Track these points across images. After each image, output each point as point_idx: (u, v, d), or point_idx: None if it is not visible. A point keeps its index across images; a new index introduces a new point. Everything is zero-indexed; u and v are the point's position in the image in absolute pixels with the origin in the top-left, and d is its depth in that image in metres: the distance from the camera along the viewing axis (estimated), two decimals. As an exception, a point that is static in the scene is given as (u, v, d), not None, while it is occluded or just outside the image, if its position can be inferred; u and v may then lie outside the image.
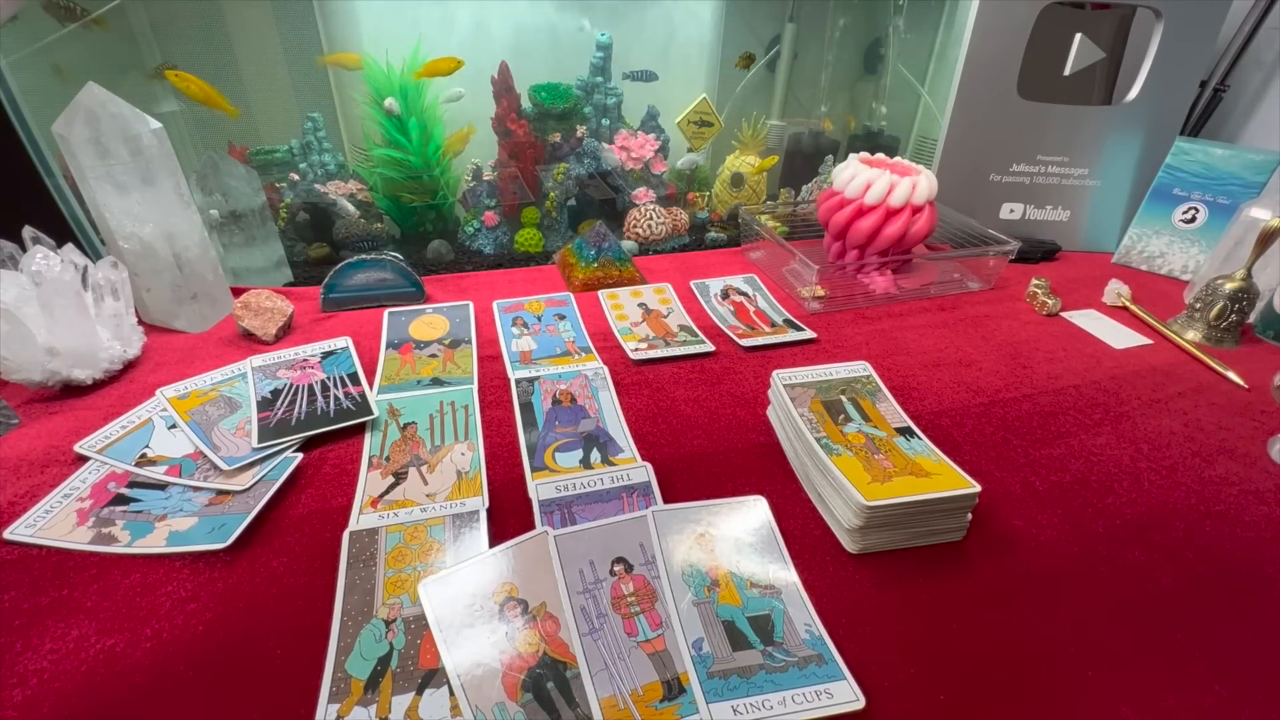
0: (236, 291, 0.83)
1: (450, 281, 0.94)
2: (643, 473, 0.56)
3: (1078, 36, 1.02)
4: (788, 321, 0.84)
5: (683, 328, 0.82)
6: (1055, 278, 0.95)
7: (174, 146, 0.73)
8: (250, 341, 0.77)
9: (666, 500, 0.53)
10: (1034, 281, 0.92)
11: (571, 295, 0.89)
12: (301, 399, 0.65)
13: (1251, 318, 0.84)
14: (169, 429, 0.61)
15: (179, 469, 0.56)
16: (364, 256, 0.85)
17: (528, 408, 0.66)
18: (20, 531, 0.49)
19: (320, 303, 0.85)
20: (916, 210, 0.89)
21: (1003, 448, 0.63)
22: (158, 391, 0.64)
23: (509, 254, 1.05)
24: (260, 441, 0.58)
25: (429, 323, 0.81)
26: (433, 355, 0.75)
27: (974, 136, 1.05)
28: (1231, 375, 0.74)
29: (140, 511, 0.52)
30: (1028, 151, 1.05)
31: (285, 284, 0.94)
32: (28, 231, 0.66)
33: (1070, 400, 0.70)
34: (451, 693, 0.39)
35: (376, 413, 0.63)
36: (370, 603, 0.45)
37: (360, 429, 0.62)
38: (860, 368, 0.64)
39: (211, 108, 0.87)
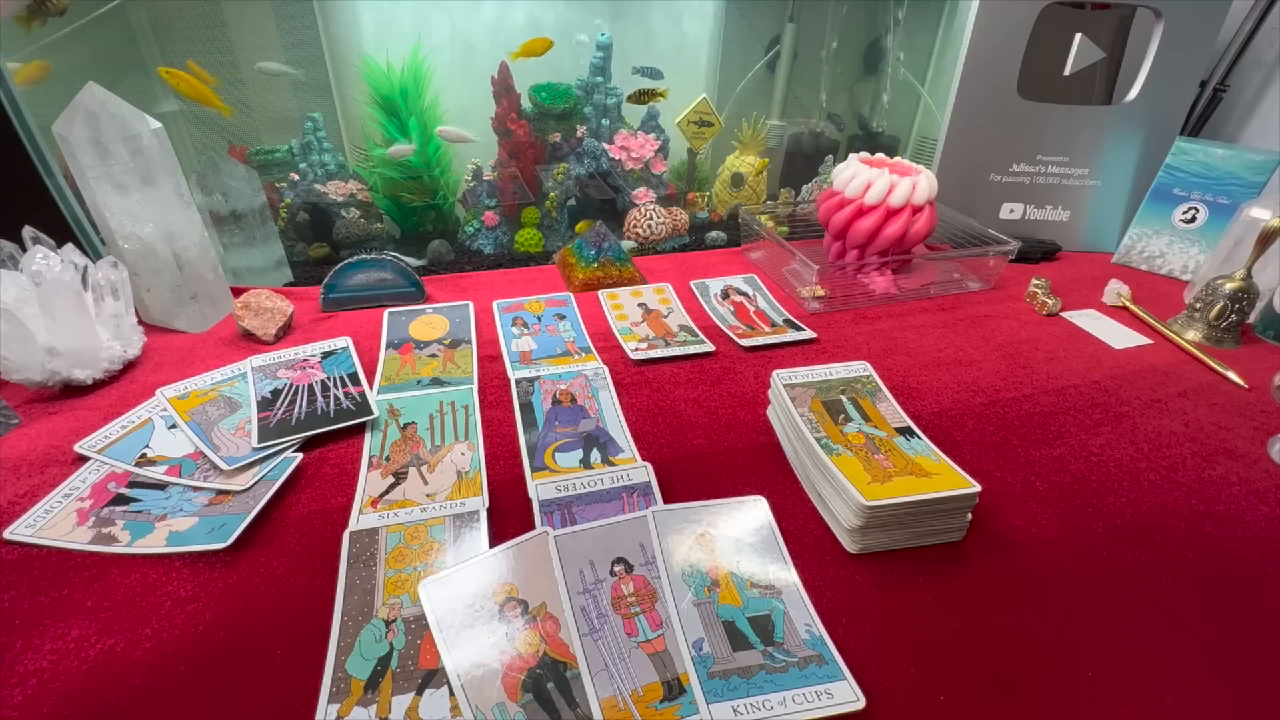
0: (236, 291, 0.83)
1: (450, 281, 0.94)
2: (643, 473, 0.56)
3: (1078, 36, 1.02)
4: (788, 321, 0.84)
5: (683, 328, 0.82)
6: (1055, 278, 0.95)
7: (174, 146, 0.73)
8: (250, 341, 0.77)
9: (666, 500, 0.53)
10: (1034, 281, 0.92)
11: (571, 295, 0.89)
12: (301, 399, 0.65)
13: (1251, 318, 0.84)
14: (169, 429, 0.61)
15: (179, 469, 0.56)
16: (364, 256, 0.85)
17: (528, 408, 0.66)
18: (20, 531, 0.49)
19: (320, 303, 0.85)
20: (916, 210, 0.89)
21: (1003, 448, 0.63)
22: (158, 391, 0.64)
23: (509, 254, 1.05)
24: (260, 441, 0.58)
25: (429, 323, 0.81)
26: (433, 355, 0.75)
27: (974, 136, 1.05)
28: (1231, 375, 0.74)
29: (140, 511, 0.52)
30: (1028, 151, 1.05)
31: (285, 284, 0.94)
32: (28, 231, 0.66)
33: (1070, 400, 0.70)
34: (451, 693, 0.39)
35: (376, 413, 0.63)
36: (370, 603, 0.45)
37: (360, 429, 0.62)
38: (860, 368, 0.64)
39: (205, 106, 0.86)
